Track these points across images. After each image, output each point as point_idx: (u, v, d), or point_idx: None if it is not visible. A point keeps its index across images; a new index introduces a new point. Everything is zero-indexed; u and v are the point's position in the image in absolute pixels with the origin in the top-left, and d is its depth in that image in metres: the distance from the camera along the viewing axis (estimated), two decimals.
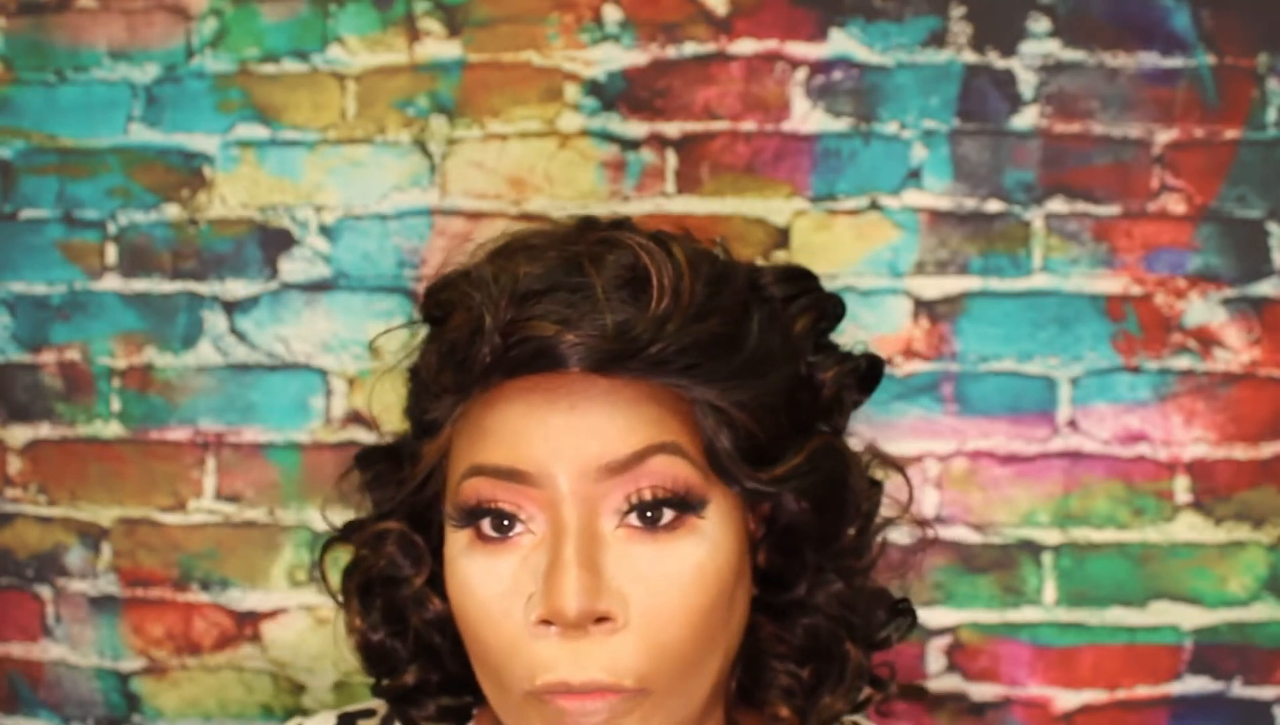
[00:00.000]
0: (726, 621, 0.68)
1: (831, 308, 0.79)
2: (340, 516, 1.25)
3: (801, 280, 0.79)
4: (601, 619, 0.65)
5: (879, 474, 0.80)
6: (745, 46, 1.23)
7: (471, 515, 0.68)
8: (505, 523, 0.67)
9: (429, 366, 0.73)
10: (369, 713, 0.82)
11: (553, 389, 0.66)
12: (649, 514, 0.66)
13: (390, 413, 1.25)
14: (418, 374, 0.78)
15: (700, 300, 0.67)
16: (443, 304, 0.72)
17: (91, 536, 1.28)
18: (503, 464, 0.67)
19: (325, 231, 1.26)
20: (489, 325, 0.65)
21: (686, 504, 0.66)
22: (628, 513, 0.66)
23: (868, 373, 0.78)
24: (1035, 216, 1.21)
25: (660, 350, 0.65)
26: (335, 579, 0.83)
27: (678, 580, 0.66)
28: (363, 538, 0.80)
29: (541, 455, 0.66)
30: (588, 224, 0.76)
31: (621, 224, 0.75)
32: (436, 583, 0.73)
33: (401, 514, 0.77)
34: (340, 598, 0.82)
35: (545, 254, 0.68)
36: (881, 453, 0.80)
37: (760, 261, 0.74)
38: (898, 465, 0.80)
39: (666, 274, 0.66)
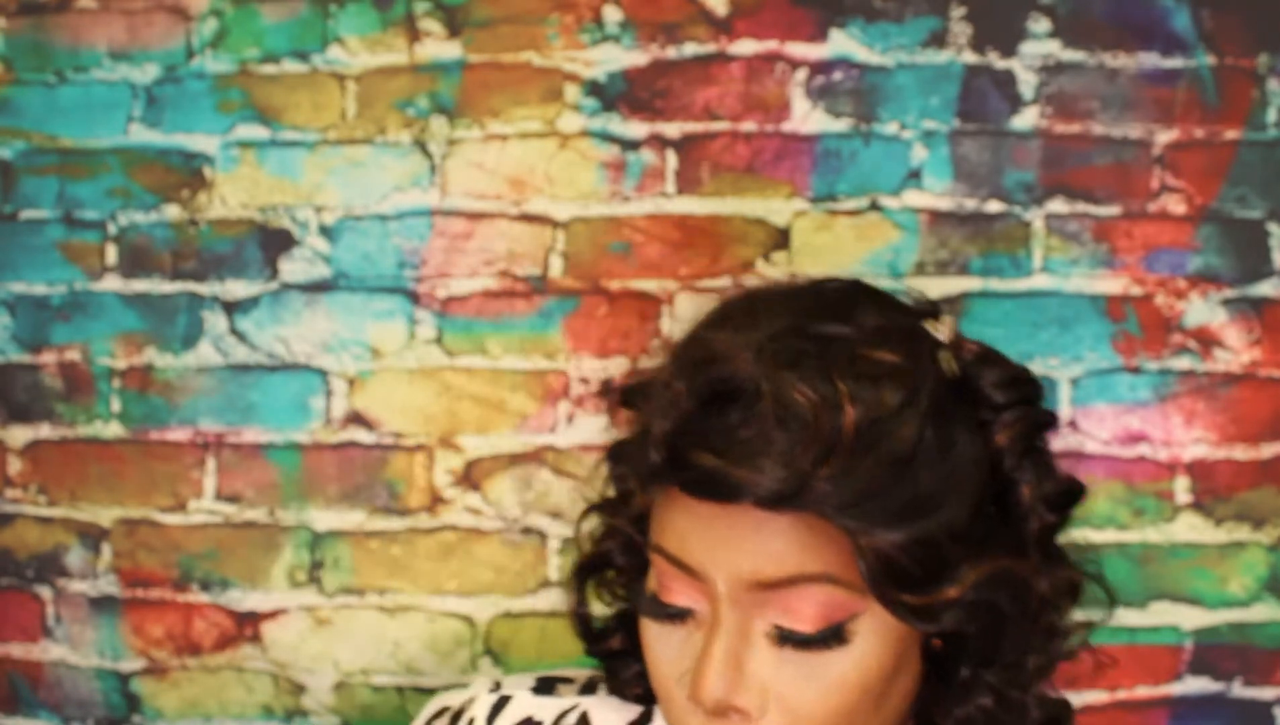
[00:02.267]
0: (876, 710, 0.71)
1: (1046, 423, 0.77)
2: (335, 518, 1.25)
3: (1023, 387, 0.76)
4: (738, 711, 0.68)
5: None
6: (745, 47, 1.23)
7: (655, 602, 0.72)
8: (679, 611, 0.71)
9: (632, 433, 0.76)
10: (568, 680, 0.85)
11: (713, 505, 0.68)
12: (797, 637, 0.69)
13: (391, 413, 1.25)
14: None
15: (856, 444, 0.67)
16: (639, 389, 0.75)
17: (91, 537, 1.28)
18: (675, 555, 0.70)
19: (325, 232, 1.26)
20: (658, 436, 0.68)
21: (836, 634, 0.69)
22: (779, 631, 0.69)
23: (1065, 496, 0.76)
24: (1035, 217, 1.21)
25: (814, 493, 0.66)
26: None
27: (821, 687, 0.69)
28: (599, 523, 0.84)
29: (703, 558, 0.69)
30: (804, 298, 0.78)
31: (852, 294, 0.79)
32: (646, 571, 0.77)
33: (625, 513, 0.79)
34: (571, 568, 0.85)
35: (724, 365, 0.69)
36: (1083, 573, 0.77)
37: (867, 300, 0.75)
38: (1097, 578, 0.78)
39: (825, 419, 0.66)
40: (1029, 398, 0.76)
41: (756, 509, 0.67)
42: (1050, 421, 0.77)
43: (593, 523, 0.83)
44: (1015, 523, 0.73)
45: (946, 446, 0.70)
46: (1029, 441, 0.75)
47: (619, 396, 0.78)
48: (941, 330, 0.77)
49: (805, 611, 0.68)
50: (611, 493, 0.82)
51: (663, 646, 0.71)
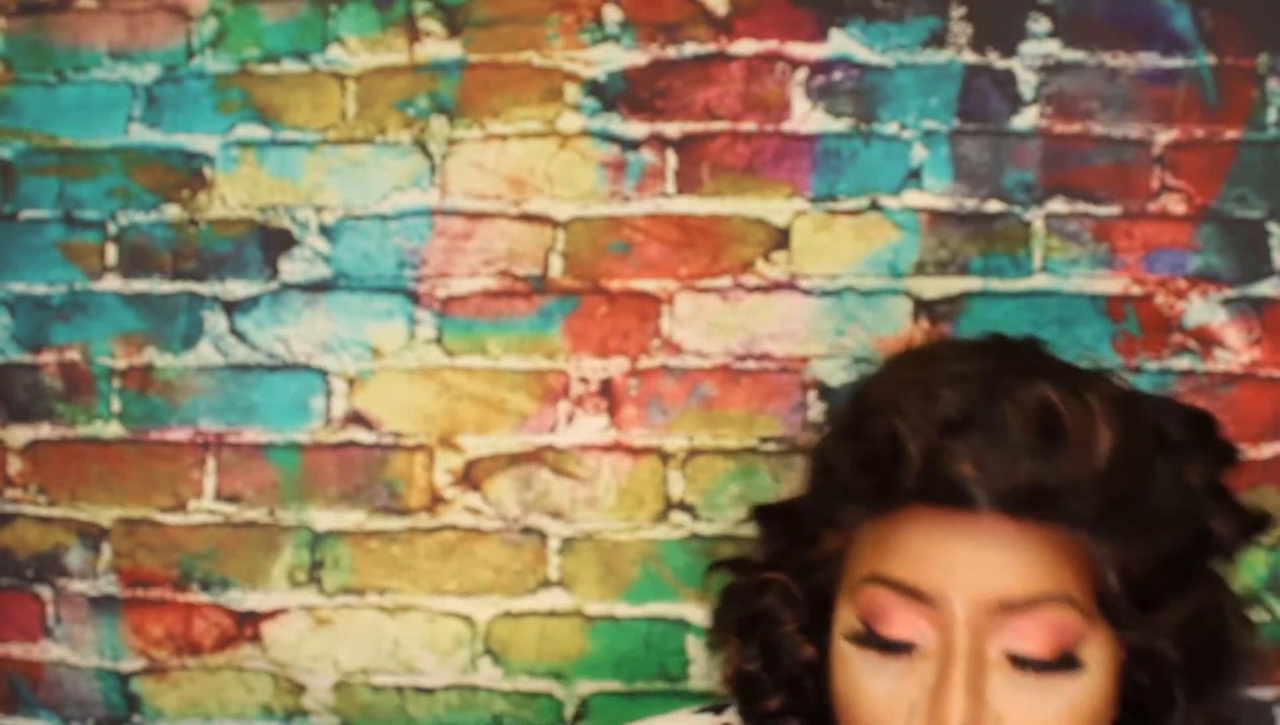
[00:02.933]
0: None
1: (1228, 456, 0.80)
2: (335, 517, 1.25)
3: (1203, 426, 0.79)
4: None
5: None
6: (745, 47, 1.23)
7: (869, 635, 0.72)
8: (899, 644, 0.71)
9: (843, 464, 0.75)
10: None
11: (960, 520, 0.69)
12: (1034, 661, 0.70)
13: (391, 412, 1.25)
14: (825, 460, 0.79)
15: (1111, 456, 0.68)
16: (867, 407, 0.74)
17: (91, 536, 1.28)
18: (904, 580, 0.70)
19: (325, 231, 1.26)
20: (911, 451, 0.68)
21: (1070, 659, 0.69)
22: (1014, 656, 0.69)
23: (1253, 529, 0.79)
24: (1035, 217, 1.21)
25: (1069, 504, 0.67)
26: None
27: (1054, 716, 0.69)
28: (748, 580, 0.83)
29: (941, 581, 0.69)
30: (1002, 345, 0.80)
31: (1034, 347, 0.79)
32: (809, 630, 0.78)
33: (787, 569, 0.80)
34: (715, 624, 0.86)
35: (967, 384, 0.70)
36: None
37: (1076, 369, 0.77)
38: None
39: (1082, 429, 0.68)
40: (1210, 436, 0.79)
41: (1006, 522, 0.68)
42: (1232, 456, 0.79)
43: (722, 580, 0.83)
44: (1208, 554, 0.76)
45: (1164, 477, 0.72)
46: (1217, 478, 0.77)
47: (853, 405, 0.77)
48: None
49: (1039, 636, 0.69)
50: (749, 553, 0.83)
51: (878, 682, 0.71)
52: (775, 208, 1.23)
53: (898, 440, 0.69)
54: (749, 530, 1.21)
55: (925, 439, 0.68)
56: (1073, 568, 0.69)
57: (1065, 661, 0.69)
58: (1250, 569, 1.19)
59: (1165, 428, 0.76)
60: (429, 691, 1.24)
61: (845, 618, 0.73)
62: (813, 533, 0.77)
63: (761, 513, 0.85)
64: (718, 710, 0.86)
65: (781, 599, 0.79)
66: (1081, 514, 0.67)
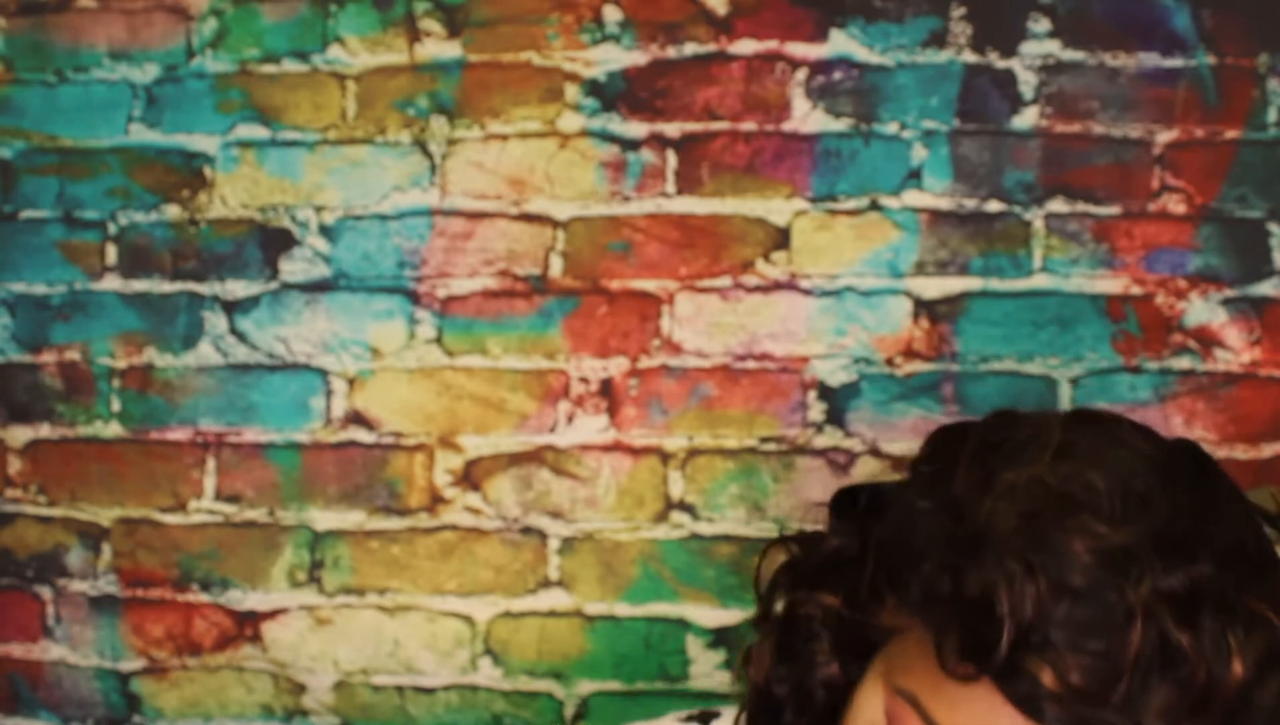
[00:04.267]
0: None
1: None
2: (335, 517, 1.25)
3: None
4: None
5: None
6: (745, 47, 1.23)
7: None
8: None
9: (928, 566, 0.67)
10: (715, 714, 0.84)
11: (1022, 719, 0.63)
12: None
13: (391, 412, 1.25)
14: (912, 526, 0.71)
15: (1238, 703, 0.61)
16: (981, 531, 0.66)
17: (91, 536, 1.28)
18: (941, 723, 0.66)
19: (325, 231, 1.26)
20: (1003, 636, 0.62)
21: None
22: None
23: None
24: (1035, 217, 1.21)
25: None
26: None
27: None
28: (803, 592, 0.77)
29: None
30: (1174, 487, 0.69)
31: (1215, 479, 0.70)
32: (842, 649, 0.74)
33: (843, 587, 0.75)
34: (759, 611, 0.79)
35: (1103, 572, 0.62)
36: None
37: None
38: None
39: (1197, 703, 0.61)
40: None
41: None
42: None
43: (778, 563, 0.77)
44: None
45: None
46: None
47: (964, 525, 0.68)
48: None
49: None
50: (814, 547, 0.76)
51: None
52: (775, 208, 1.23)
53: (994, 613, 0.61)
54: (748, 531, 1.22)
55: (1022, 625, 0.61)
56: None
57: None
58: None
59: None
60: (429, 691, 1.24)
61: (872, 695, 0.69)
62: (877, 588, 0.72)
63: (842, 503, 0.78)
64: (705, 720, 0.83)
65: (826, 624, 0.75)
66: None
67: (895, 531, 0.72)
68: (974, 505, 0.67)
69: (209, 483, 1.27)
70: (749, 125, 1.23)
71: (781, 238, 1.23)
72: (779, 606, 0.77)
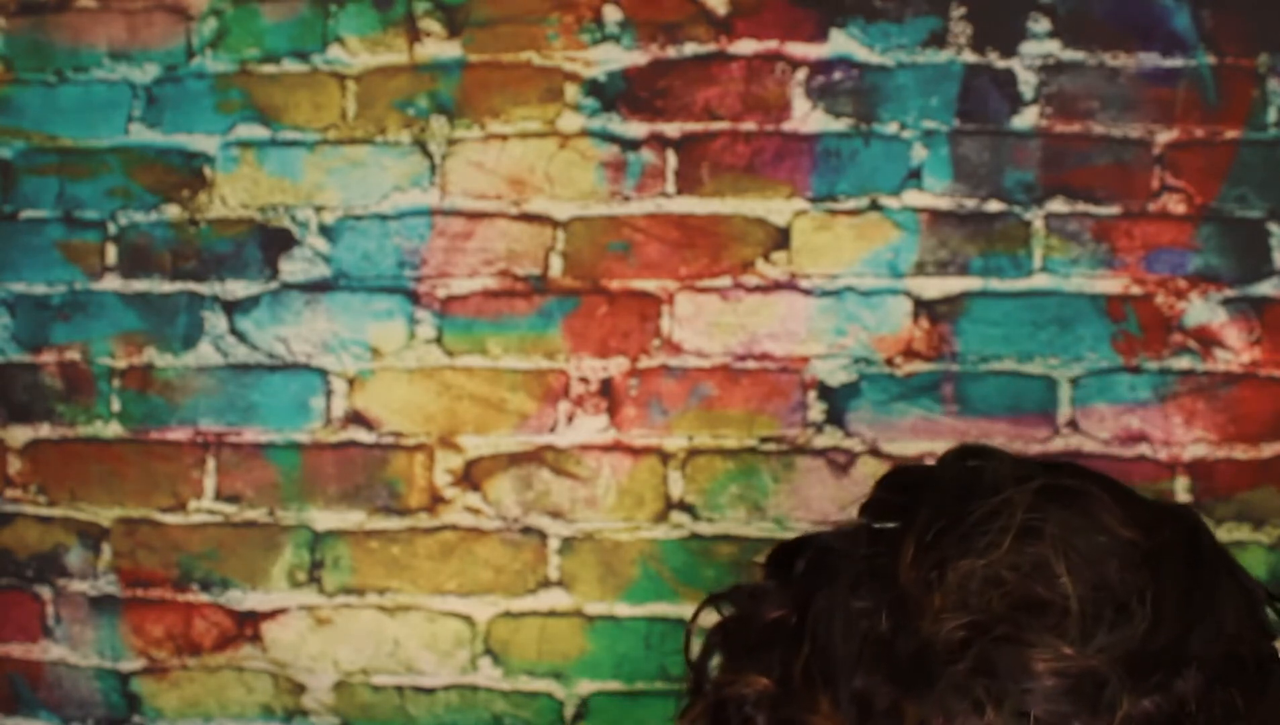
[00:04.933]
0: None
1: None
2: (335, 517, 1.25)
3: None
4: None
5: None
6: (745, 46, 1.23)
7: None
8: None
9: (859, 687, 0.60)
10: None
11: None
12: None
13: (391, 412, 1.25)
14: (849, 631, 0.63)
15: None
16: (910, 662, 0.59)
17: (91, 536, 1.28)
18: None
19: (325, 231, 1.26)
20: None
21: None
22: None
23: None
24: (1035, 217, 1.21)
25: None
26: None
27: None
28: (736, 664, 0.70)
29: None
30: (1163, 546, 0.62)
31: (1212, 559, 0.63)
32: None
33: (776, 678, 0.67)
34: (689, 691, 0.72)
35: (1072, 676, 0.56)
36: None
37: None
38: None
39: None
40: None
41: None
42: None
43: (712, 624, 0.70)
44: None
45: None
46: None
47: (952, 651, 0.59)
48: None
49: None
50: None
51: None
52: (775, 208, 1.23)
53: None
54: (748, 530, 1.22)
55: None
56: None
57: None
58: (1250, 569, 1.19)
59: None
60: (429, 691, 1.24)
61: None
62: (808, 678, 0.64)
63: (779, 562, 0.70)
64: None
65: (760, 709, 0.66)
66: None
67: (831, 623, 0.64)
68: (918, 608, 0.60)
69: (209, 483, 1.27)
70: (749, 125, 1.23)
71: (781, 238, 1.23)
72: (712, 675, 0.70)
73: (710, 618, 0.74)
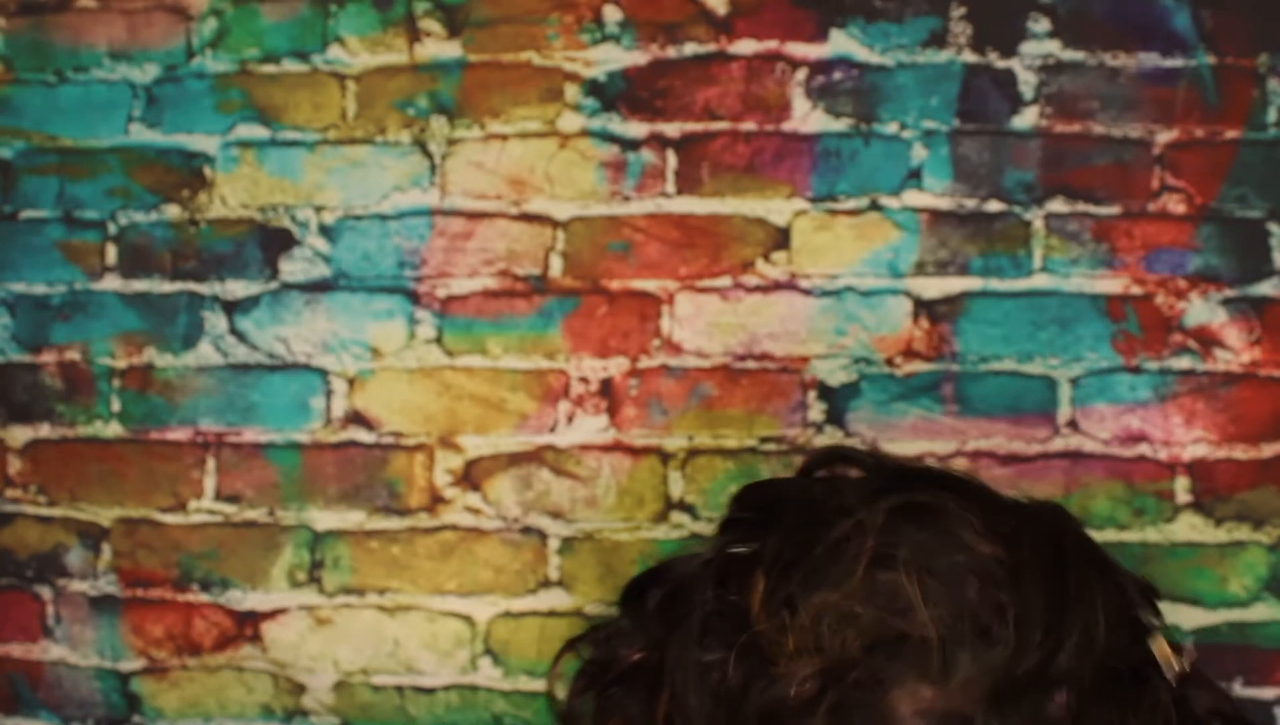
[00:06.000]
0: None
1: None
2: (335, 517, 1.25)
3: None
4: None
5: None
6: (745, 47, 1.23)
7: None
8: None
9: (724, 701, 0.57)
10: None
11: None
12: None
13: (391, 412, 1.25)
14: (704, 672, 0.60)
15: None
16: (769, 686, 0.56)
17: (91, 536, 1.28)
18: None
19: (325, 231, 1.26)
20: None
21: None
22: None
23: None
24: (1035, 217, 1.21)
25: None
26: None
27: None
28: (599, 709, 0.67)
29: None
30: (1025, 553, 0.58)
31: (1082, 557, 0.60)
32: None
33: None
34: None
35: (933, 719, 0.53)
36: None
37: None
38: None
39: None
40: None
41: None
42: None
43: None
44: None
45: None
46: None
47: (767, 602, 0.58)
48: (1167, 658, 0.62)
49: None
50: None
51: None
52: (775, 208, 1.23)
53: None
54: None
55: None
56: None
57: None
58: (1250, 569, 1.19)
59: (1190, 710, 0.60)
60: (429, 691, 1.24)
61: None
62: (672, 722, 0.62)
63: (632, 601, 0.67)
64: None
65: None
66: None
67: (685, 676, 0.60)
68: (770, 655, 0.57)
69: (209, 483, 1.27)
70: (749, 125, 1.23)
71: (781, 238, 1.23)
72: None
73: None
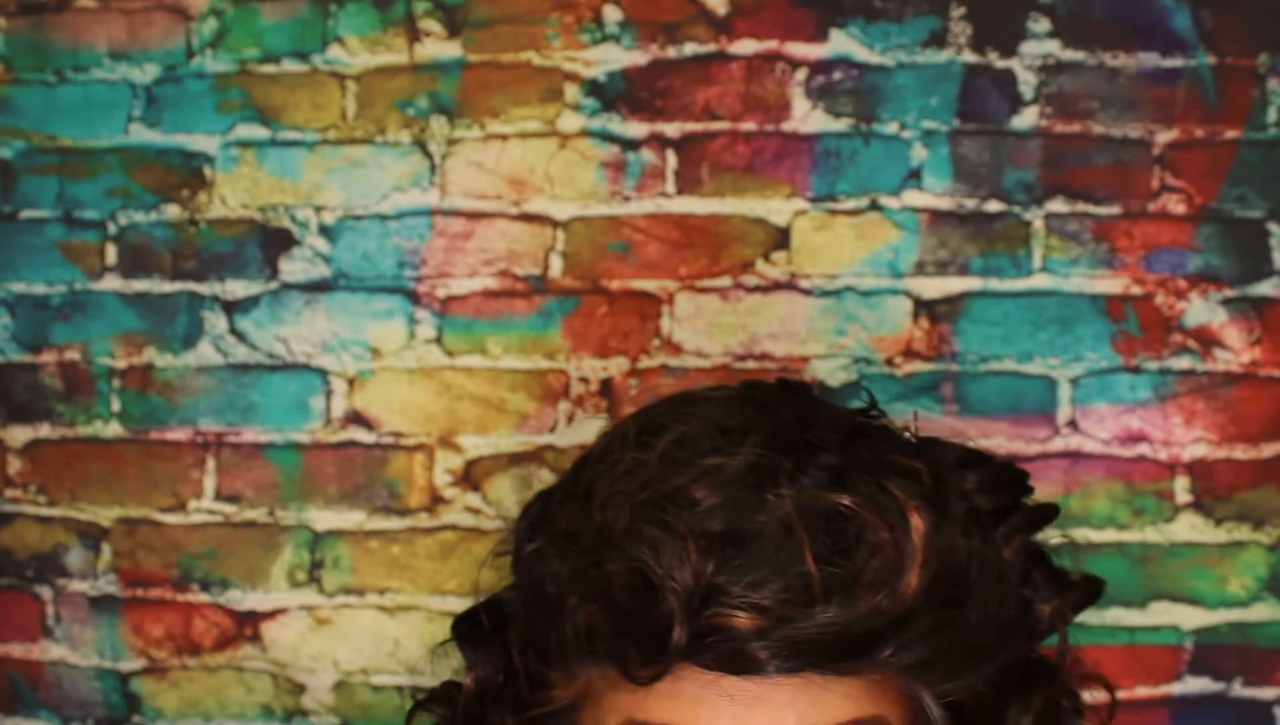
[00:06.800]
0: None
1: (1045, 520, 0.68)
2: (335, 517, 1.25)
3: (1014, 485, 0.67)
4: None
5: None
6: (745, 46, 1.23)
7: None
8: None
9: (576, 608, 0.60)
10: None
11: (741, 680, 0.57)
12: None
13: (390, 412, 1.25)
14: (546, 585, 0.64)
15: (924, 583, 0.57)
16: (603, 528, 0.60)
17: (91, 536, 1.28)
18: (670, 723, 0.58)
19: (325, 231, 1.26)
20: (671, 609, 0.55)
21: None
22: None
23: (1082, 601, 0.70)
24: (1035, 216, 1.21)
25: (876, 653, 0.56)
26: None
27: None
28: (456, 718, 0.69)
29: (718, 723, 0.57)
30: (758, 407, 0.63)
31: (794, 398, 0.65)
32: None
33: (502, 710, 0.67)
34: None
35: (731, 489, 0.57)
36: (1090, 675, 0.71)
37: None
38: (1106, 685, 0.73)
39: (888, 552, 0.55)
40: (1020, 499, 0.67)
41: (800, 677, 0.56)
42: (1049, 516, 0.69)
43: None
44: (1035, 633, 0.66)
45: (986, 571, 0.61)
46: (1034, 548, 0.67)
47: (561, 518, 0.64)
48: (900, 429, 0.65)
49: None
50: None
51: None
52: (775, 208, 1.23)
53: (652, 592, 0.55)
54: None
55: (687, 588, 0.54)
56: (886, 703, 0.58)
57: None
58: (1250, 569, 1.19)
59: (974, 501, 0.64)
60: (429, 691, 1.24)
61: None
62: (537, 671, 0.64)
63: (464, 631, 0.69)
64: None
65: None
66: (892, 661, 0.56)
67: (527, 608, 0.64)
68: (586, 527, 0.62)
69: (209, 483, 1.27)
70: (749, 125, 1.23)
71: (781, 238, 1.23)
72: None
73: None
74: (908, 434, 0.68)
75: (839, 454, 0.60)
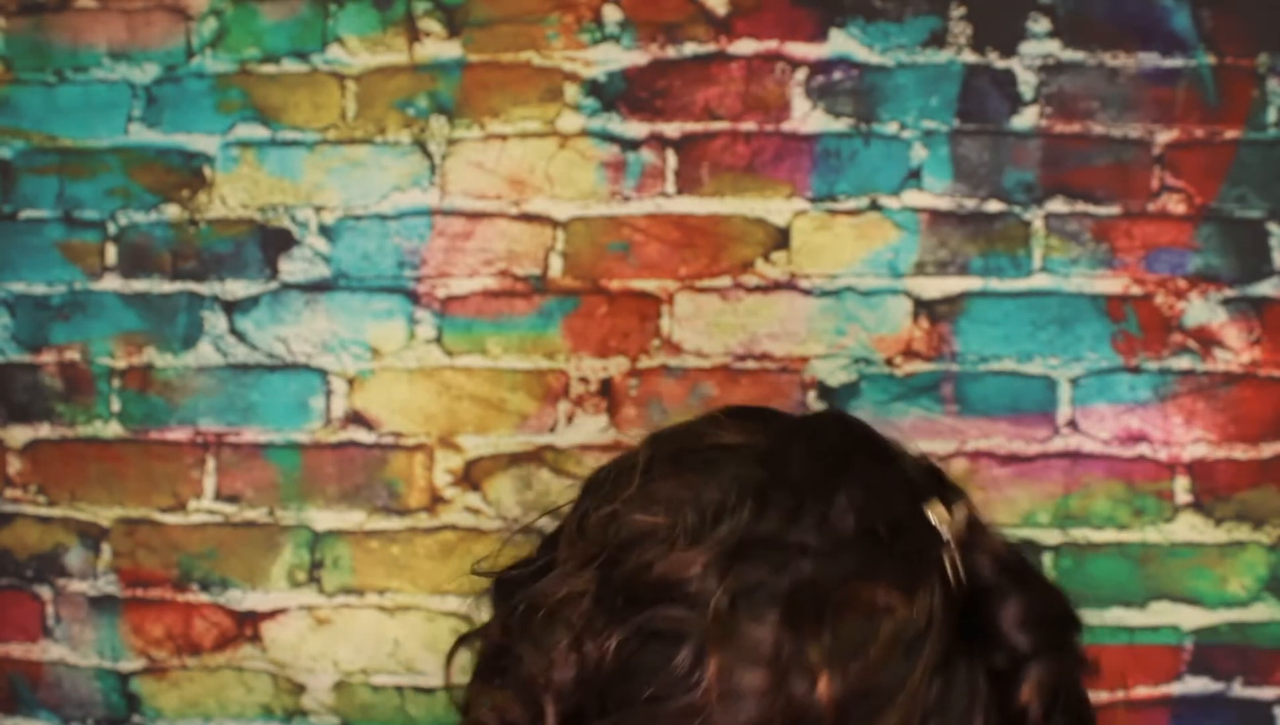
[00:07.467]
0: None
1: (1082, 672, 0.60)
2: (335, 517, 1.25)
3: (1055, 628, 0.58)
4: None
5: None
6: (745, 46, 1.23)
7: None
8: None
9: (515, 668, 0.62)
10: None
11: None
12: None
13: (390, 412, 1.25)
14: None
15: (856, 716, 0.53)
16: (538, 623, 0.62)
17: (91, 536, 1.28)
18: None
19: (325, 231, 1.26)
20: (550, 688, 0.59)
21: None
22: None
23: None
24: (1035, 216, 1.21)
25: None
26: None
27: None
28: (478, 694, 0.71)
29: None
30: (771, 461, 0.61)
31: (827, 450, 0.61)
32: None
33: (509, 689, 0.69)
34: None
35: (675, 586, 0.58)
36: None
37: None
38: None
39: (795, 692, 0.53)
40: (1061, 642, 0.59)
41: None
42: (1087, 668, 0.60)
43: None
44: None
45: (951, 708, 0.55)
46: (1061, 698, 0.58)
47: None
48: (945, 520, 0.59)
49: None
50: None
51: None
52: (775, 208, 1.23)
53: (540, 705, 0.58)
54: None
55: (564, 707, 0.57)
56: None
57: None
58: (1250, 569, 1.19)
59: (994, 623, 0.57)
60: (429, 691, 1.24)
61: None
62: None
63: (499, 595, 0.71)
64: None
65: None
66: None
67: (523, 623, 0.68)
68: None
69: (209, 483, 1.27)
70: (749, 125, 1.23)
71: (781, 238, 1.23)
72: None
73: None
74: (947, 525, 0.59)
75: (811, 568, 0.55)
